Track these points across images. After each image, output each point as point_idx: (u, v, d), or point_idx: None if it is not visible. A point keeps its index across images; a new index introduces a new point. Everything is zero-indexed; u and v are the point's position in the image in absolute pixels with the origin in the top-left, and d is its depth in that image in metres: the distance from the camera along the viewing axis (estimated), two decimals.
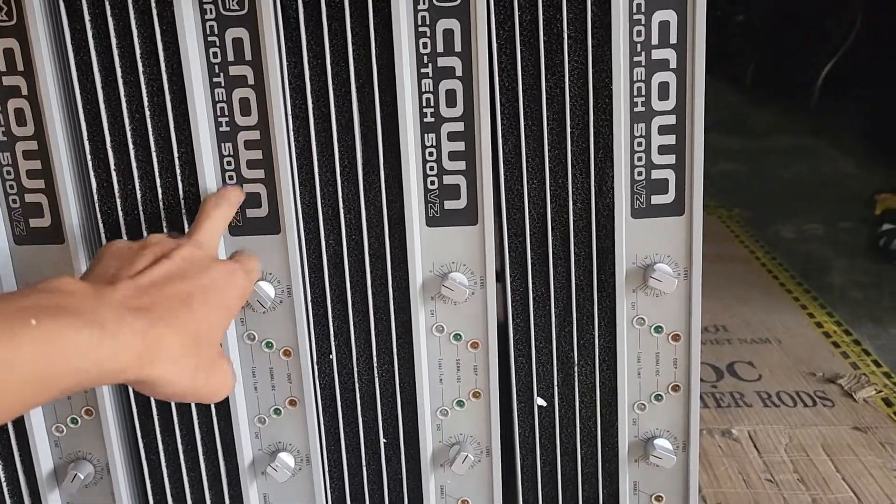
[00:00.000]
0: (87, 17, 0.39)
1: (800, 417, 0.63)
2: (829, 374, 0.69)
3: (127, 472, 0.47)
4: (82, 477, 0.45)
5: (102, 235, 0.42)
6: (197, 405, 0.45)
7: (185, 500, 0.47)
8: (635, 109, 0.40)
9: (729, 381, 0.69)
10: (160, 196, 0.41)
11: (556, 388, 0.45)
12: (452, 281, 0.42)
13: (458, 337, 0.44)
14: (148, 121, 0.40)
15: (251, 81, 0.40)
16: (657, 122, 0.40)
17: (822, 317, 0.81)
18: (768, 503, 0.53)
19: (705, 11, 0.39)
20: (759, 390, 0.67)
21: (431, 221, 0.42)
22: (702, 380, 0.52)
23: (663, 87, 0.40)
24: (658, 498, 0.47)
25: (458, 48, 0.39)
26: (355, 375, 0.45)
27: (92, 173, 0.41)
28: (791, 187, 1.37)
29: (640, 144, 0.41)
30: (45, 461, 0.45)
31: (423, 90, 0.40)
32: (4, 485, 0.46)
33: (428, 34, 0.39)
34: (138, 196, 0.42)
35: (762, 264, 0.97)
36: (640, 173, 0.41)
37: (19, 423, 0.45)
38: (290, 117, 0.40)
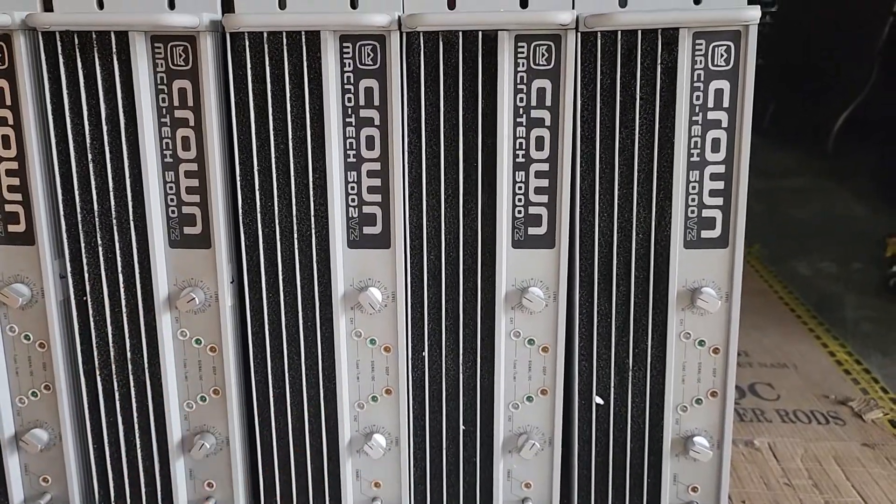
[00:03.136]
0: (248, 66, 0.48)
1: (814, 433, 0.71)
2: (840, 397, 0.77)
3: (243, 445, 0.55)
4: (208, 446, 0.53)
5: (243, 243, 0.51)
6: (307, 388, 0.53)
7: (290, 472, 0.55)
8: (691, 159, 0.49)
9: (751, 399, 0.77)
10: (294, 213, 0.50)
11: (612, 389, 0.53)
12: (531, 294, 0.50)
13: (531, 342, 0.52)
14: (290, 151, 0.49)
15: (377, 122, 0.49)
16: (709, 170, 0.49)
17: (835, 347, 0.89)
18: (786, 503, 0.61)
19: (753, 83, 0.47)
20: (778, 408, 0.75)
21: (516, 244, 0.51)
22: None
23: (715, 141, 0.49)
24: (694, 489, 0.54)
25: (548, 103, 0.48)
26: (443, 371, 0.53)
27: (240, 192, 0.50)
28: (805, 227, 1.45)
29: (693, 188, 0.49)
30: (175, 432, 0.54)
31: (517, 136, 0.49)
32: (139, 450, 0.54)
33: (524, 91, 0.48)
34: (276, 212, 0.50)
35: (780, 297, 1.05)
36: (692, 211, 0.50)
37: (157, 396, 0.53)
38: (406, 153, 0.49)
